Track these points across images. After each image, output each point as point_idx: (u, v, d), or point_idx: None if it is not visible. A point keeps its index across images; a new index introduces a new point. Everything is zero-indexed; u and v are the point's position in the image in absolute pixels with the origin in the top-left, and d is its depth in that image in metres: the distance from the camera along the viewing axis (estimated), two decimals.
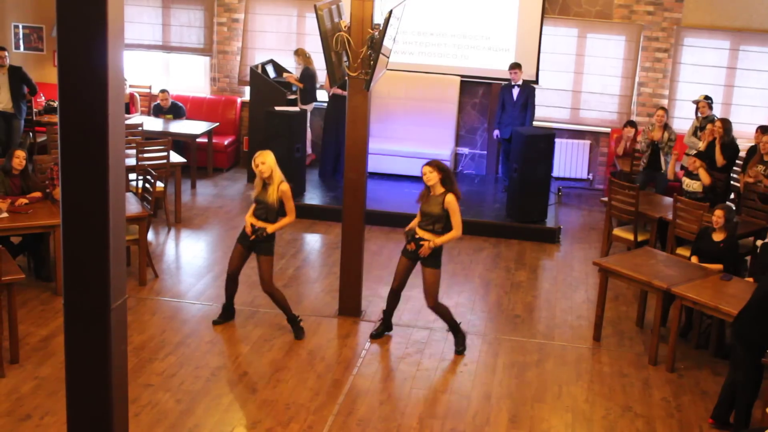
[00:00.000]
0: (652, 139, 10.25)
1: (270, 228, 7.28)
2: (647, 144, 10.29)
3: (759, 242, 8.46)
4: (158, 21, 12.95)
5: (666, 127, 10.30)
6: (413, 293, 8.32)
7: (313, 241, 10.27)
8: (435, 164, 7.00)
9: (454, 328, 7.41)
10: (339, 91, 11.27)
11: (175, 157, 10.46)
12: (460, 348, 7.38)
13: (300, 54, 11.86)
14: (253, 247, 7.39)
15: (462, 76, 12.23)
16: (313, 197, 11.08)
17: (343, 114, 11.80)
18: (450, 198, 7.00)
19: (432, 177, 6.97)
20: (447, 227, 7.07)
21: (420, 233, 7.13)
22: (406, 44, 12.18)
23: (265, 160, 7.20)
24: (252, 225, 7.30)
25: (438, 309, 7.30)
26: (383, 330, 7.61)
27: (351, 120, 7.74)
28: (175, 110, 12.29)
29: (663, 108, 10.36)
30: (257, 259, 7.40)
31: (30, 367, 6.84)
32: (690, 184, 9.26)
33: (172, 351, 7.22)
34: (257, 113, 11.61)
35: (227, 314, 7.77)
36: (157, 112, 12.33)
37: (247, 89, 12.78)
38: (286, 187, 7.26)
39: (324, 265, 9.36)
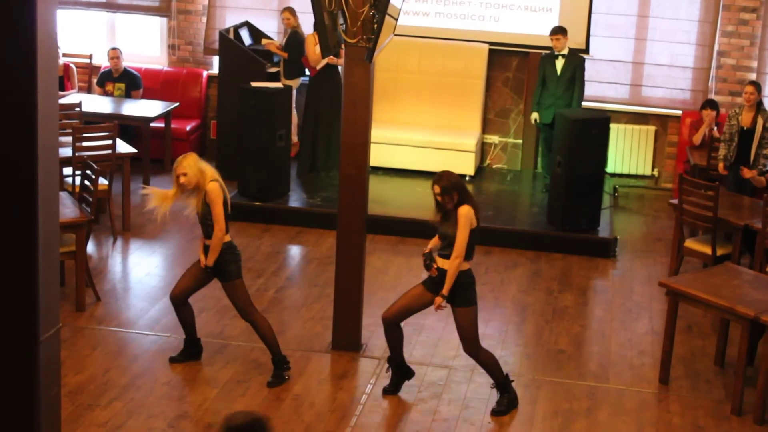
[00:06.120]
0: (741, 126, 10.16)
1: (209, 260, 7.26)
2: (731, 134, 10.22)
3: None
4: None
5: (760, 109, 10.15)
6: (427, 322, 8.32)
7: (299, 254, 10.26)
8: (446, 181, 6.81)
9: (502, 384, 7.29)
10: (335, 61, 11.27)
11: (123, 147, 10.46)
12: (501, 408, 7.28)
13: (288, 14, 11.87)
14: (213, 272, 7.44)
15: (491, 43, 12.22)
16: (299, 198, 11.08)
17: (328, 91, 11.95)
18: (463, 211, 6.85)
19: (447, 200, 6.84)
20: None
21: (439, 261, 7.03)
22: (420, 2, 12.17)
23: (187, 170, 7.06)
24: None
25: (480, 357, 7.20)
26: (398, 380, 7.48)
27: (349, 100, 7.74)
28: (128, 78, 12.30)
29: (753, 83, 10.27)
30: (225, 288, 7.44)
31: None
32: None
33: (118, 396, 7.21)
34: (228, 90, 11.61)
35: (191, 351, 7.75)
36: (105, 79, 12.32)
37: (215, 60, 12.79)
38: (212, 186, 7.10)
39: (314, 285, 9.36)
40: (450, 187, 6.83)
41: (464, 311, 7.03)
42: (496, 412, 7.26)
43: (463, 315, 7.04)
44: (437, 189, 6.84)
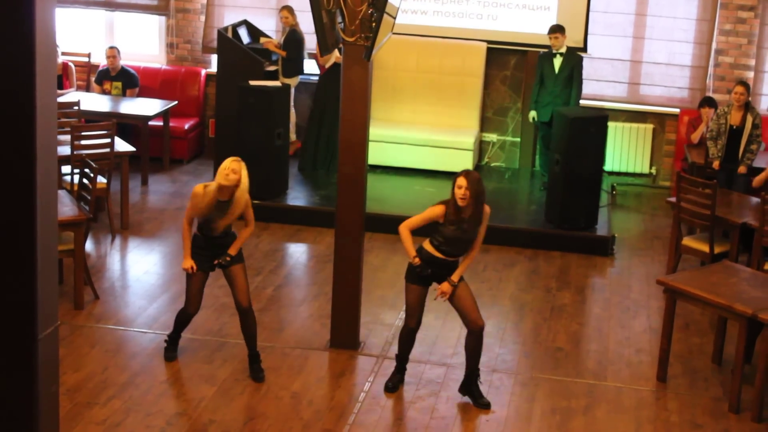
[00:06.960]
0: (731, 125, 10.21)
1: (234, 250, 7.39)
2: (718, 132, 10.22)
3: None
4: None
5: (748, 108, 10.23)
6: (426, 319, 8.30)
7: (298, 252, 10.26)
8: (479, 184, 6.94)
9: (477, 373, 7.37)
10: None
11: (122, 145, 10.47)
12: (487, 401, 7.34)
13: (287, 13, 11.88)
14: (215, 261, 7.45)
15: (489, 41, 12.23)
16: (297, 197, 11.08)
17: (335, 89, 11.93)
18: (487, 209, 7.12)
19: (475, 202, 6.98)
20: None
21: (430, 249, 7.16)
22: (418, 1, 12.18)
23: (241, 177, 7.40)
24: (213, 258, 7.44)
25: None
26: (399, 379, 7.54)
27: (347, 98, 7.75)
28: (125, 77, 12.31)
29: (743, 83, 10.31)
30: (230, 272, 7.41)
31: None
32: None
33: (116, 393, 7.21)
34: (227, 89, 11.61)
35: (177, 343, 7.80)
36: (102, 78, 12.34)
37: (213, 58, 12.79)
38: (248, 195, 7.46)
39: (312, 283, 9.36)
40: (482, 191, 6.97)
41: (465, 283, 7.22)
42: (485, 405, 7.29)
43: (466, 285, 7.21)
44: (471, 191, 6.90)
